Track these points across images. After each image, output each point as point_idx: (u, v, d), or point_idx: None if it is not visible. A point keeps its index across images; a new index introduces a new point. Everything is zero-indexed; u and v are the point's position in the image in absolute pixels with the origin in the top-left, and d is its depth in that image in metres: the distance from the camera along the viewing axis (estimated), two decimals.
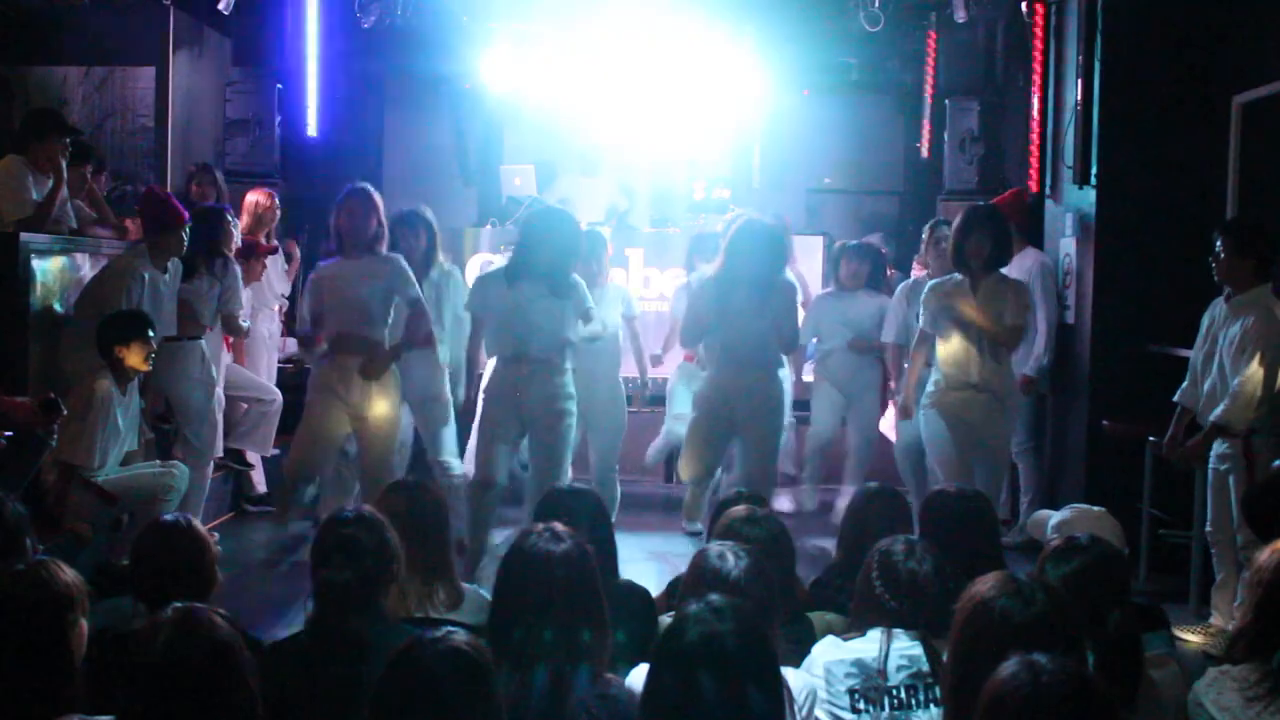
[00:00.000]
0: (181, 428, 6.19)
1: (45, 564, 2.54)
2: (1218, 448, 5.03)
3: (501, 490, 5.53)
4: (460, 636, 2.18)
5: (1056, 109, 7.29)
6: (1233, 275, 4.96)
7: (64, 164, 5.95)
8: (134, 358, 5.32)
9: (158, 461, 5.72)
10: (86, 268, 6.07)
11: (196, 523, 3.12)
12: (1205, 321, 5.17)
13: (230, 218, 6.46)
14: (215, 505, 6.83)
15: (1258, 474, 4.78)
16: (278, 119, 8.58)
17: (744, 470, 5.55)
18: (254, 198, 7.23)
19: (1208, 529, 5.12)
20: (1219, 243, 4.99)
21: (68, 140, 6.03)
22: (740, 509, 3.38)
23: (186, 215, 5.94)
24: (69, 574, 2.53)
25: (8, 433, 4.71)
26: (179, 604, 2.26)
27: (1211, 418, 4.89)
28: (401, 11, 8.57)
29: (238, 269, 6.39)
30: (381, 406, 5.61)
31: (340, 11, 8.73)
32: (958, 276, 5.59)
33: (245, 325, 6.60)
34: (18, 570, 2.52)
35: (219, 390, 6.43)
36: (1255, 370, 4.79)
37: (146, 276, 5.71)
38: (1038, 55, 7.57)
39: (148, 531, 3.12)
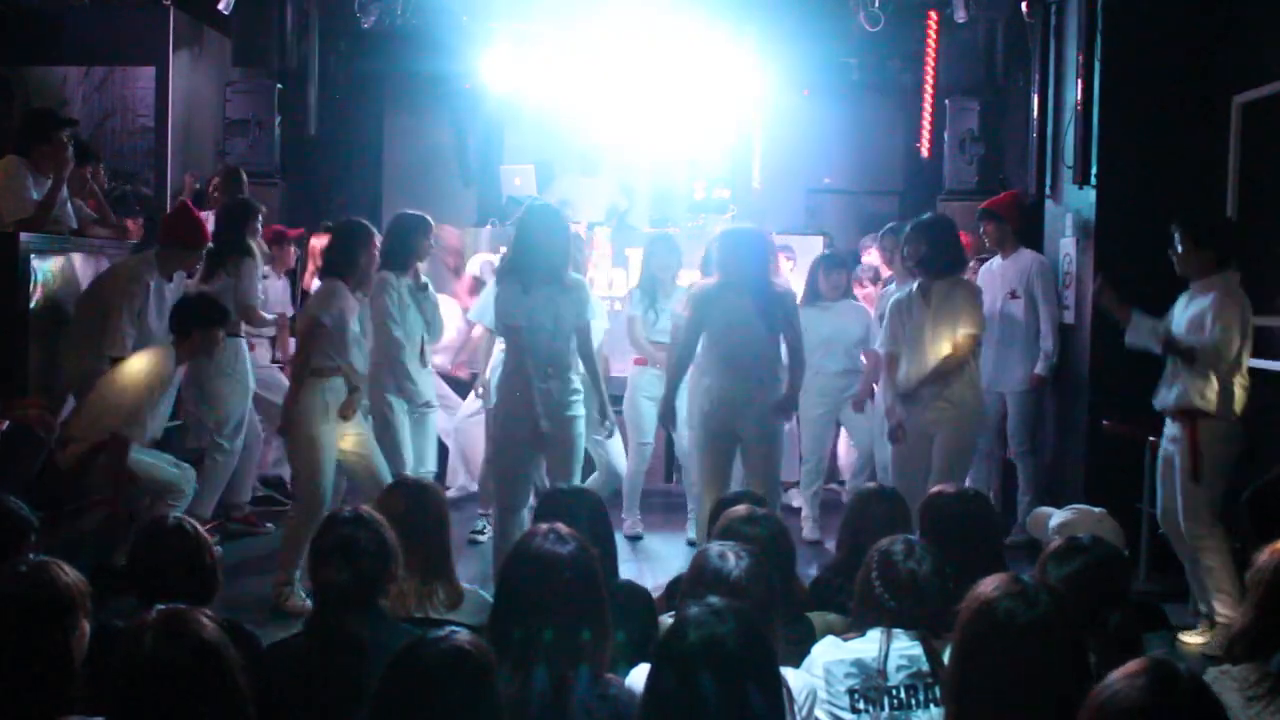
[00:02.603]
0: (210, 422, 6.24)
1: (47, 565, 2.54)
2: (1168, 430, 5.09)
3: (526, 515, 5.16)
4: (463, 636, 2.18)
5: (1056, 109, 7.28)
6: (1192, 267, 5.04)
7: (70, 158, 5.96)
8: (209, 343, 5.52)
9: (171, 457, 5.72)
10: (86, 268, 6.08)
11: (195, 524, 3.12)
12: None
13: (261, 213, 6.59)
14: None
15: (1203, 460, 4.86)
16: (278, 119, 8.57)
17: (750, 480, 5.41)
18: (320, 245, 7.07)
19: (1159, 515, 5.14)
20: (1177, 236, 5.06)
21: (68, 133, 6.04)
22: (740, 509, 3.38)
23: (208, 242, 6.03)
24: (70, 575, 2.53)
25: (6, 423, 4.73)
26: (162, 605, 2.25)
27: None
28: (401, 11, 8.57)
29: (253, 263, 6.42)
30: None
31: (340, 11, 8.73)
32: (912, 287, 5.62)
33: (269, 316, 6.67)
34: (19, 571, 2.52)
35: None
36: (1229, 339, 4.88)
37: (152, 285, 5.73)
38: (1038, 55, 7.57)
39: (146, 532, 3.12)
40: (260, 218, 6.61)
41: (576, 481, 5.25)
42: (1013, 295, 6.86)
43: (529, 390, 5.07)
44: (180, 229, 5.94)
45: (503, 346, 5.62)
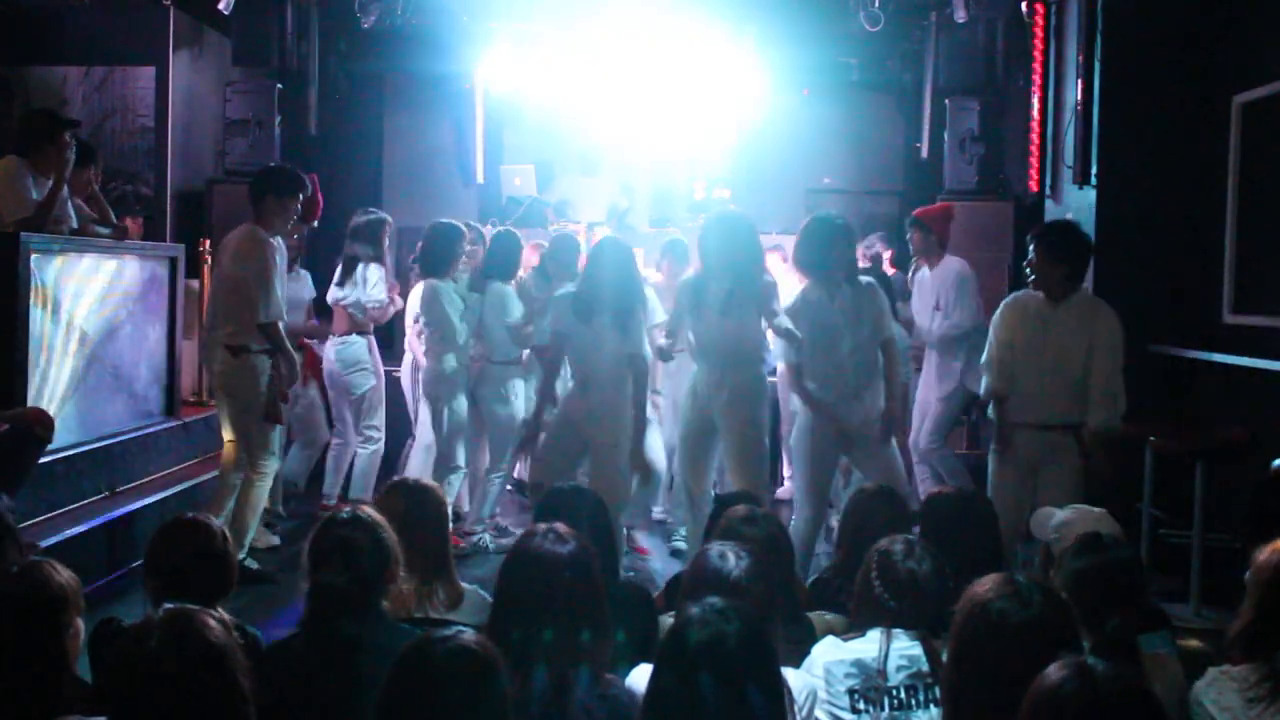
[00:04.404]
0: (359, 417, 6.86)
1: (40, 565, 2.55)
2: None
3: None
4: (469, 635, 2.18)
5: (1056, 109, 7.29)
6: (1047, 281, 4.97)
7: (71, 158, 5.94)
8: (282, 211, 5.70)
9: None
10: (86, 268, 6.08)
11: (216, 522, 3.11)
12: (1010, 318, 5.11)
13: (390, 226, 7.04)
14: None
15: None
16: (278, 119, 8.58)
17: (730, 469, 5.43)
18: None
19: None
20: (1032, 249, 5.02)
21: (70, 134, 6.02)
22: (740, 509, 3.38)
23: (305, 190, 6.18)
24: (63, 574, 2.54)
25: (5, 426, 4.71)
26: (170, 605, 2.25)
27: (1096, 425, 4.87)
28: (401, 11, 8.58)
29: (377, 269, 6.83)
30: None
31: (340, 11, 8.74)
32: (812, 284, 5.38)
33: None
34: (12, 571, 2.52)
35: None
36: (1116, 372, 4.87)
37: (279, 246, 5.80)
38: (1038, 55, 7.58)
39: (164, 529, 3.11)
40: (389, 230, 6.98)
41: (622, 492, 5.38)
42: (936, 306, 6.79)
43: (576, 401, 5.44)
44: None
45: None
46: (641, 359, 5.42)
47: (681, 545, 6.26)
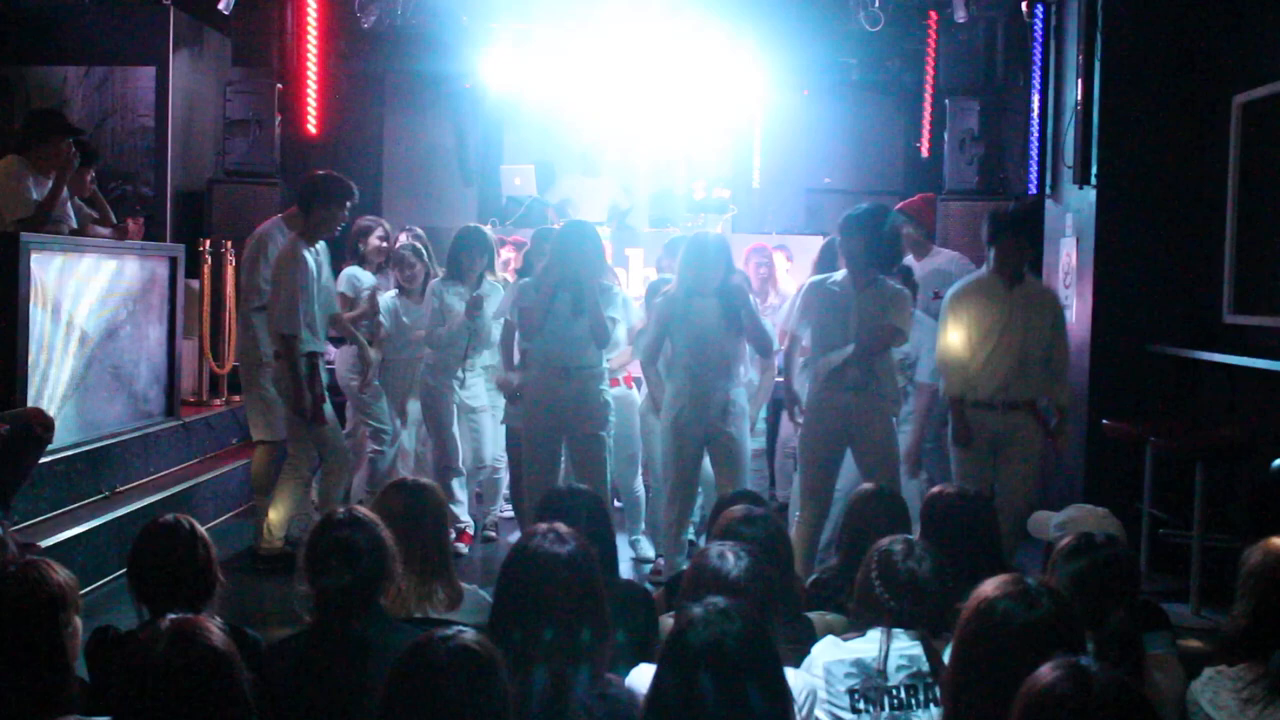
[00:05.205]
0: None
1: (37, 565, 2.55)
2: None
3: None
4: (470, 635, 2.18)
5: (1056, 109, 7.28)
6: (1017, 265, 5.24)
7: (75, 162, 5.94)
8: (329, 221, 5.75)
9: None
10: (86, 268, 6.08)
11: (197, 525, 3.11)
12: (970, 306, 5.23)
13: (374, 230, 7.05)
14: (219, 502, 6.84)
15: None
16: (278, 119, 8.58)
17: (719, 475, 5.49)
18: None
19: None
20: (1001, 234, 5.21)
21: (71, 140, 6.01)
22: (739, 509, 3.37)
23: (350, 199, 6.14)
24: (61, 573, 2.54)
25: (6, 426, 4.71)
26: (174, 613, 2.25)
27: (1061, 401, 5.25)
28: (401, 11, 8.58)
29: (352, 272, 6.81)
30: None
31: (340, 11, 8.74)
32: (843, 274, 5.40)
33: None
34: (10, 571, 2.52)
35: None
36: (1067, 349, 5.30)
37: (309, 258, 5.77)
38: (1038, 55, 7.57)
39: (147, 533, 3.11)
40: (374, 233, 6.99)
41: (605, 480, 5.50)
42: (936, 296, 6.77)
43: (550, 391, 5.47)
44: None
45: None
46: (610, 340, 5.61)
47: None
